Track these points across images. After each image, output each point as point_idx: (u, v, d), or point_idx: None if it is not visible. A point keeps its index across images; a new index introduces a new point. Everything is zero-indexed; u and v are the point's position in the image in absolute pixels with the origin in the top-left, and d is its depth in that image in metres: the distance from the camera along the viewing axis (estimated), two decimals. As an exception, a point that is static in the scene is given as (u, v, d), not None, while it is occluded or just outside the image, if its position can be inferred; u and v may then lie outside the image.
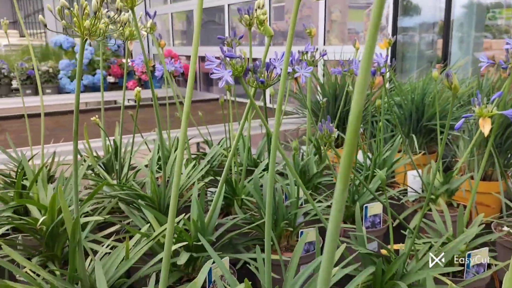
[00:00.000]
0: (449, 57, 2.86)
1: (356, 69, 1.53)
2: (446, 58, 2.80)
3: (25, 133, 1.64)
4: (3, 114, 3.96)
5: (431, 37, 3.31)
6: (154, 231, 1.07)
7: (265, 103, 0.99)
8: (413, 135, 1.86)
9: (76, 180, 0.86)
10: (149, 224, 1.08)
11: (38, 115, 1.71)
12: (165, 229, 0.99)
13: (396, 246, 1.14)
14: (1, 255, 1.03)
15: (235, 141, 1.08)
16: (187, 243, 0.97)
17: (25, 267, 0.97)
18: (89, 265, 0.99)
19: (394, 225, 1.13)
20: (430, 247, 1.07)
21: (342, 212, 0.31)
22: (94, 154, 1.72)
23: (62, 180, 1.26)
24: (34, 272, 0.95)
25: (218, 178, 1.60)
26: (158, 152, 1.67)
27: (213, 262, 0.99)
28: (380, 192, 1.48)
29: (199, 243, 0.97)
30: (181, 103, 1.87)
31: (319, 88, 2.20)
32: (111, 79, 5.64)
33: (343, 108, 2.07)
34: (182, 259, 0.95)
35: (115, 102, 4.88)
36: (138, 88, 1.33)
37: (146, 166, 1.58)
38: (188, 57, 5.27)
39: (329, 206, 1.42)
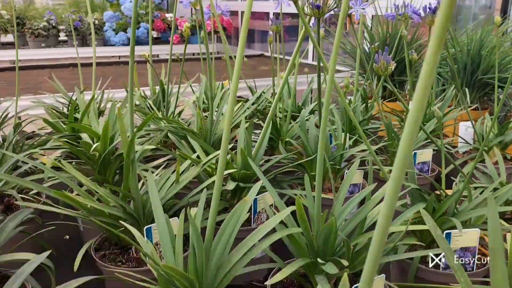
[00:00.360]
0: (509, 12, 2.68)
1: (411, 13, 1.46)
2: (505, 12, 2.63)
3: (73, 80, 1.68)
4: (53, 63, 4.09)
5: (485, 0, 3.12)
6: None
7: (318, 34, 0.95)
8: (466, 89, 1.78)
9: (132, 102, 0.88)
10: (196, 154, 1.10)
11: (86, 64, 1.74)
12: (213, 157, 1.01)
13: (447, 191, 1.11)
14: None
15: (283, 82, 1.06)
16: (235, 170, 0.98)
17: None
18: (140, 189, 1.02)
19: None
20: (482, 192, 1.04)
21: (427, 95, 0.30)
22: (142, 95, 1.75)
23: (113, 112, 1.29)
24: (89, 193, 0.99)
25: (262, 123, 1.60)
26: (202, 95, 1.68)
27: (257, 194, 1.00)
28: (429, 141, 1.43)
29: (247, 171, 0.98)
30: (231, 57, 1.87)
31: (367, 36, 2.11)
32: (154, 33, 5.68)
33: (393, 59, 2.00)
34: (230, 186, 0.97)
35: (158, 56, 4.92)
36: (187, 24, 1.32)
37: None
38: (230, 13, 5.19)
39: (375, 152, 1.40)
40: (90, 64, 1.50)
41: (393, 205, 0.32)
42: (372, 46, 1.46)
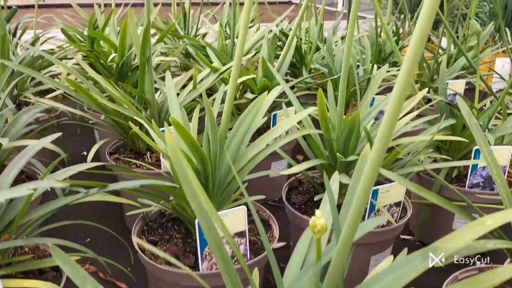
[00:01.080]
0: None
1: None
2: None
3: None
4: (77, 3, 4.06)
5: None
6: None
7: None
8: (506, 28, 1.67)
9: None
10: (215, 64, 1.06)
11: (110, 4, 1.70)
12: (231, 66, 0.96)
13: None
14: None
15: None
16: (253, 77, 0.93)
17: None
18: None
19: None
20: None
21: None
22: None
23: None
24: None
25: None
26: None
27: (280, 109, 0.96)
28: (461, 73, 1.36)
29: (268, 80, 0.93)
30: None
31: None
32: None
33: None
34: (249, 96, 0.93)
35: None
36: None
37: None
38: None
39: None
40: (116, 4, 1.48)
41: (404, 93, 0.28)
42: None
